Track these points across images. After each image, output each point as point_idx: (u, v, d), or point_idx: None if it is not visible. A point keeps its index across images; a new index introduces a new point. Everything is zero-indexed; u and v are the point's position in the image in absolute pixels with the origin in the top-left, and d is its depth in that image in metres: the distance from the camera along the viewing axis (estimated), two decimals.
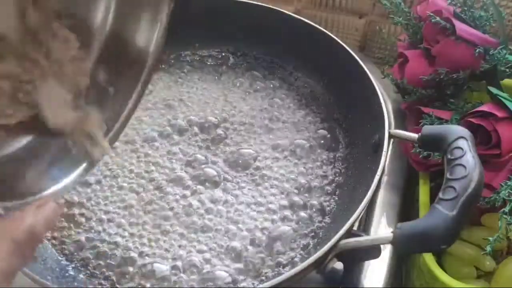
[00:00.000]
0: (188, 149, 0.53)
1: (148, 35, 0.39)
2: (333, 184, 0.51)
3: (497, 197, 0.45)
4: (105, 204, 0.48)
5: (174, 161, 0.52)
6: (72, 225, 0.47)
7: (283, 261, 0.44)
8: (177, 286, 0.43)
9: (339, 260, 0.37)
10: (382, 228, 0.51)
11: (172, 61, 0.65)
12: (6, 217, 0.29)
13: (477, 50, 0.50)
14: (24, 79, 0.32)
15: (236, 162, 0.52)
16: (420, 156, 0.50)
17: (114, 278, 0.44)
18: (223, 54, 0.65)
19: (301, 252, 0.45)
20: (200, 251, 0.45)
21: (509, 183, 0.46)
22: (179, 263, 0.44)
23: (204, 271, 0.43)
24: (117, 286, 0.43)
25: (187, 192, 0.49)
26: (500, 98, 0.48)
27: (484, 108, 0.48)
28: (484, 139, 0.48)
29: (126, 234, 0.46)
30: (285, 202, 0.49)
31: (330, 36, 0.57)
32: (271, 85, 0.62)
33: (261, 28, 0.62)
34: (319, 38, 0.58)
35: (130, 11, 0.39)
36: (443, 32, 0.52)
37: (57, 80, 0.34)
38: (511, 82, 0.53)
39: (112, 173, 0.51)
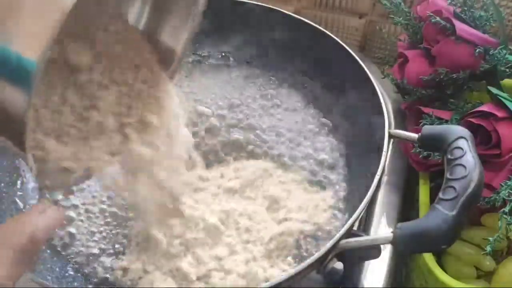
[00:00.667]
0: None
1: None
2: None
3: (497, 197, 0.45)
4: None
5: None
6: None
7: None
8: None
9: (339, 260, 0.37)
10: (382, 228, 0.51)
11: None
12: (6, 223, 0.29)
13: (477, 50, 0.50)
14: None
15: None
16: (420, 156, 0.50)
17: None
18: (223, 54, 0.65)
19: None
20: None
21: (509, 183, 0.46)
22: None
23: None
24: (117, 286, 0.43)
25: None
26: (500, 98, 0.48)
27: (484, 108, 0.48)
28: (484, 139, 0.48)
29: None
30: None
31: (330, 36, 0.57)
32: (271, 85, 0.62)
33: (261, 28, 0.62)
34: (319, 38, 0.58)
35: None
36: (443, 32, 0.52)
37: None
38: (511, 82, 0.53)
39: None
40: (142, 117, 0.37)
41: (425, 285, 0.48)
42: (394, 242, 0.35)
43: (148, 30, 0.41)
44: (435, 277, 0.45)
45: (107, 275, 0.44)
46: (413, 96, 0.55)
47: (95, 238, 0.46)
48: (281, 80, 0.62)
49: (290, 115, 0.58)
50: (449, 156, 0.38)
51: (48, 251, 0.45)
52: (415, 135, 0.43)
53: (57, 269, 0.44)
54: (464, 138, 0.38)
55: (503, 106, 0.48)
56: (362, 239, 0.38)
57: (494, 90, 0.50)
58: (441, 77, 0.52)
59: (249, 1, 0.62)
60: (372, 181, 0.41)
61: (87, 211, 0.48)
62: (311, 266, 0.37)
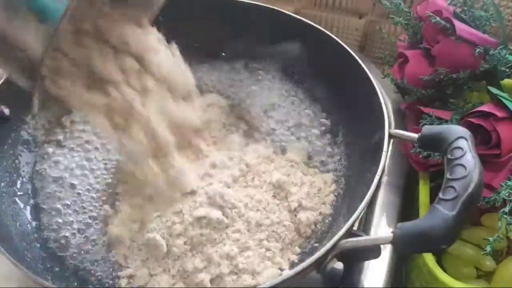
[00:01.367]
0: None
1: None
2: (333, 184, 0.51)
3: (497, 197, 0.45)
4: None
5: None
6: None
7: None
8: None
9: (339, 260, 0.37)
10: (382, 228, 0.51)
11: None
12: None
13: (477, 50, 0.50)
14: None
15: None
16: (420, 156, 0.50)
17: None
18: (223, 54, 0.65)
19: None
20: None
21: (509, 183, 0.46)
22: None
23: None
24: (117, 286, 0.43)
25: None
26: (500, 98, 0.48)
27: (484, 108, 0.48)
28: (484, 139, 0.48)
29: None
30: None
31: (330, 36, 0.57)
32: (271, 85, 0.62)
33: (261, 28, 0.62)
34: (319, 38, 0.58)
35: None
36: (443, 32, 0.52)
37: None
38: (511, 82, 0.53)
39: None
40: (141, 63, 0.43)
41: (425, 285, 0.48)
42: (394, 242, 0.35)
43: None
44: (435, 277, 0.45)
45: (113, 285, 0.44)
46: (413, 96, 0.55)
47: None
48: (281, 80, 0.62)
49: (290, 115, 0.58)
50: (449, 156, 0.38)
51: (48, 251, 0.45)
52: (415, 135, 0.43)
53: (57, 269, 0.44)
54: (464, 138, 0.38)
55: (503, 106, 0.48)
56: (362, 239, 0.38)
57: (494, 90, 0.50)
58: (441, 77, 0.52)
59: (249, 1, 0.62)
60: (372, 181, 0.41)
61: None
62: (311, 266, 0.37)
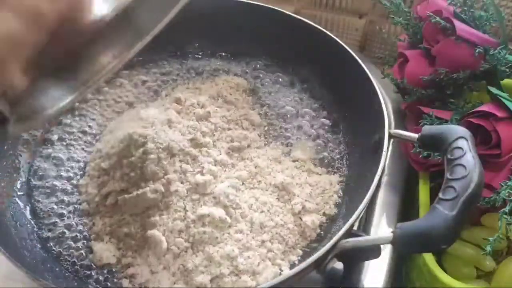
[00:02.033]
0: None
1: None
2: (337, 185, 0.51)
3: (497, 197, 0.45)
4: None
5: None
6: None
7: None
8: None
9: (339, 260, 0.37)
10: (382, 228, 0.52)
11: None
12: None
13: (477, 50, 0.50)
14: None
15: None
16: (420, 156, 0.50)
17: None
18: (223, 54, 0.65)
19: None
20: None
21: (509, 183, 0.46)
22: None
23: None
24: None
25: None
26: (500, 98, 0.48)
27: (484, 108, 0.48)
28: (484, 139, 0.48)
29: None
30: None
31: (330, 36, 0.57)
32: (271, 85, 0.62)
33: (261, 28, 0.62)
34: (319, 38, 0.58)
35: None
36: (443, 32, 0.52)
37: None
38: (511, 82, 0.53)
39: None
40: None
41: (425, 285, 0.48)
42: (394, 242, 0.35)
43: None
44: (435, 277, 0.45)
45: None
46: (413, 96, 0.55)
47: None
48: (281, 80, 0.62)
49: (289, 115, 0.58)
50: (449, 156, 0.38)
51: (49, 252, 0.45)
52: (415, 135, 0.43)
53: (57, 269, 0.44)
54: (464, 138, 0.38)
55: (503, 106, 0.48)
56: (362, 239, 0.38)
57: (494, 90, 0.50)
58: (441, 77, 0.52)
59: (249, 1, 0.62)
60: (372, 181, 0.41)
61: None
62: (311, 266, 0.37)
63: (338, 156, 0.54)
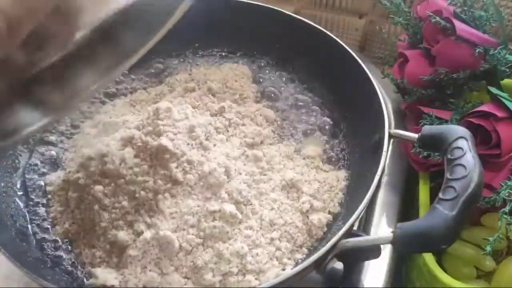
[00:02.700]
0: None
1: None
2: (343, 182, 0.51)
3: (497, 197, 0.45)
4: None
5: None
6: None
7: None
8: None
9: (339, 260, 0.38)
10: (382, 228, 0.52)
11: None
12: None
13: (477, 50, 0.50)
14: None
15: None
16: (420, 156, 0.50)
17: None
18: (223, 54, 0.65)
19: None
20: None
21: (509, 183, 0.46)
22: None
23: None
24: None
25: None
26: (500, 98, 0.48)
27: (484, 108, 0.48)
28: (484, 139, 0.48)
29: None
30: None
31: (330, 36, 0.57)
32: (271, 85, 0.62)
33: (261, 28, 0.62)
34: (319, 38, 0.58)
35: None
36: (443, 32, 0.52)
37: None
38: (511, 82, 0.53)
39: None
40: None
41: (425, 285, 0.48)
42: (394, 242, 0.35)
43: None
44: (435, 277, 0.45)
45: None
46: (413, 96, 0.55)
47: None
48: (280, 80, 0.62)
49: (289, 115, 0.58)
50: (449, 156, 0.38)
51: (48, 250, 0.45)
52: (415, 135, 0.43)
53: (57, 269, 0.44)
54: (464, 138, 0.38)
55: (503, 106, 0.48)
56: (362, 239, 0.38)
57: (494, 90, 0.50)
58: (441, 77, 0.52)
59: (249, 1, 0.62)
60: (372, 181, 0.41)
61: None
62: (311, 266, 0.37)
63: (338, 156, 0.54)
